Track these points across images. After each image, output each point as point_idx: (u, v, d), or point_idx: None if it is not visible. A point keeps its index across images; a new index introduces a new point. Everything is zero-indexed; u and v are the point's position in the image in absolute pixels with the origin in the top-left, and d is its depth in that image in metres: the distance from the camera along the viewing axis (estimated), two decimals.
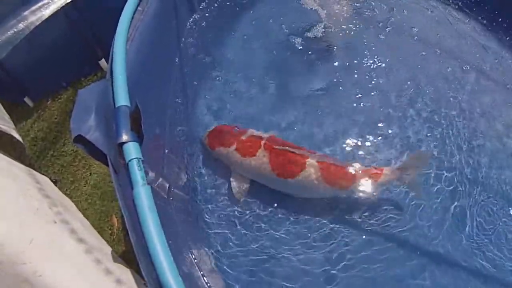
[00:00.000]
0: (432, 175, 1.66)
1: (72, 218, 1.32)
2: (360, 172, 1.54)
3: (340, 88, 1.94)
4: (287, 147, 1.56)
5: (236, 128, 1.69)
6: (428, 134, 1.79)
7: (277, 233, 1.52)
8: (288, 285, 1.42)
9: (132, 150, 1.03)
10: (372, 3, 2.31)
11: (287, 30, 2.16)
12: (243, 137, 1.62)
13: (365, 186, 1.54)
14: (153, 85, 1.60)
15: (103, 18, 1.80)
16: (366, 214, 1.56)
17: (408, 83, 1.96)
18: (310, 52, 2.07)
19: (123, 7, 1.42)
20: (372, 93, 1.91)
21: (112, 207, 2.02)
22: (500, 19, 2.23)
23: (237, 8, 2.29)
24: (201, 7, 2.24)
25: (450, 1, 2.38)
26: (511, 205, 1.62)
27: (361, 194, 1.56)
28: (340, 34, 2.15)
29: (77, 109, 1.12)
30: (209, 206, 1.60)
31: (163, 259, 0.86)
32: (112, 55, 1.24)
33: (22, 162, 1.56)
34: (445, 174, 1.67)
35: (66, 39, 2.29)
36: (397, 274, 1.44)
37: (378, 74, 1.98)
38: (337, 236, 1.51)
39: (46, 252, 1.10)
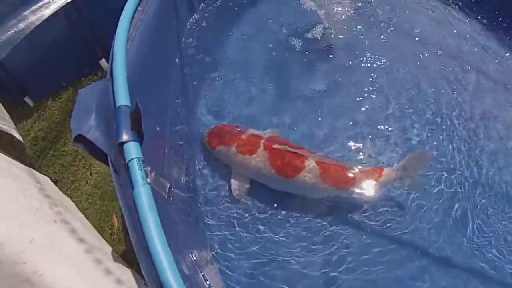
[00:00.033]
0: (434, 177, 1.66)
1: (72, 218, 1.32)
2: (359, 173, 1.54)
3: (340, 88, 1.94)
4: (287, 147, 1.56)
5: (236, 128, 1.69)
6: (429, 135, 1.79)
7: (276, 236, 1.52)
8: None
9: (133, 150, 1.02)
10: (373, 3, 2.31)
11: (287, 30, 2.16)
12: (243, 137, 1.62)
13: (365, 187, 1.54)
14: (153, 85, 1.60)
15: (103, 18, 1.80)
16: (366, 215, 1.56)
17: (409, 83, 1.96)
18: (310, 53, 2.07)
19: (123, 7, 1.42)
20: (373, 94, 1.91)
21: (113, 206, 2.02)
22: (500, 19, 2.23)
23: (237, 8, 2.29)
24: (201, 7, 2.24)
25: (450, 1, 2.38)
26: (511, 206, 1.62)
27: (360, 195, 1.56)
28: (340, 35, 2.16)
29: (77, 108, 1.12)
30: (210, 206, 1.60)
31: (164, 259, 0.86)
32: (112, 54, 1.24)
33: (22, 161, 1.56)
34: (446, 175, 1.67)
35: (66, 39, 2.29)
36: (397, 276, 1.44)
37: (378, 75, 1.98)
38: (337, 238, 1.51)
39: (47, 251, 1.10)
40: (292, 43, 2.10)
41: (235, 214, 1.57)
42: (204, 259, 1.41)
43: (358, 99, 1.89)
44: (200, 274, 1.32)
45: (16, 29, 2.10)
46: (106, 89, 1.17)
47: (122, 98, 1.12)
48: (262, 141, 1.58)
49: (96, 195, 2.07)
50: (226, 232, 1.53)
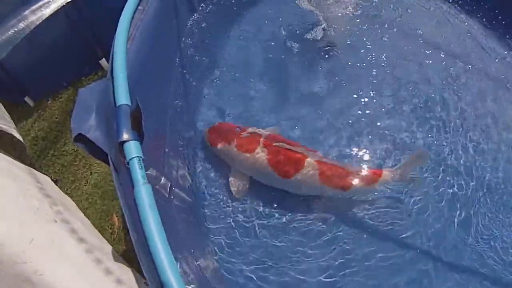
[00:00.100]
0: (435, 179, 1.66)
1: (72, 218, 1.32)
2: (358, 173, 1.54)
3: (340, 88, 1.94)
4: (287, 145, 1.55)
5: (237, 129, 1.69)
6: (430, 135, 1.78)
7: (276, 240, 1.51)
8: None
9: (133, 149, 1.02)
10: (373, 3, 2.31)
11: (287, 31, 2.17)
12: (243, 134, 1.62)
13: (363, 188, 1.54)
14: (154, 84, 1.60)
15: (103, 17, 1.80)
16: (367, 218, 1.56)
17: (409, 83, 1.96)
18: (310, 53, 2.07)
19: (123, 7, 1.42)
20: (373, 94, 1.91)
21: (113, 206, 2.01)
22: (500, 17, 2.23)
23: (236, 8, 2.29)
24: (201, 7, 2.24)
25: (451, 0, 2.37)
26: None
27: (359, 196, 1.56)
28: (340, 35, 2.16)
29: (77, 108, 1.12)
30: (210, 206, 1.60)
31: (164, 258, 0.86)
32: (112, 54, 1.24)
33: (22, 161, 1.55)
34: (447, 177, 1.67)
35: (66, 38, 2.29)
36: (397, 281, 1.43)
37: (379, 74, 1.98)
38: (338, 242, 1.50)
39: (47, 251, 1.10)
40: (292, 43, 2.10)
41: (234, 214, 1.57)
42: (205, 258, 1.40)
43: (358, 99, 1.89)
44: (201, 273, 1.32)
45: (16, 29, 2.10)
46: (107, 89, 1.17)
47: (123, 97, 1.12)
48: (262, 139, 1.58)
49: (96, 195, 2.07)
50: (226, 232, 1.53)
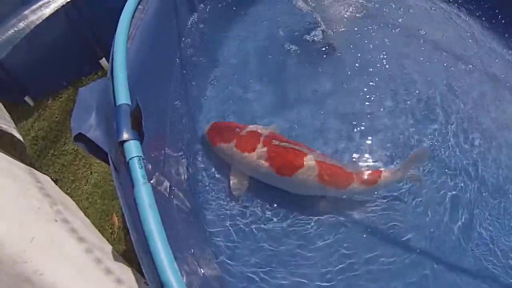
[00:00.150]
0: (436, 180, 1.65)
1: (72, 217, 1.32)
2: (358, 173, 1.53)
3: (341, 88, 1.94)
4: (286, 143, 1.55)
5: (237, 129, 1.68)
6: (431, 136, 1.78)
7: (276, 243, 1.50)
8: None
9: (133, 149, 1.02)
10: (373, 3, 2.31)
11: (287, 31, 2.16)
12: (243, 133, 1.62)
13: (363, 188, 1.53)
14: (154, 84, 1.60)
15: (103, 17, 1.80)
16: (367, 221, 1.55)
17: (410, 83, 1.96)
18: (310, 53, 2.07)
19: (123, 6, 1.42)
20: (373, 94, 1.90)
21: (113, 205, 2.02)
22: (499, 17, 2.23)
23: (236, 9, 2.28)
24: (201, 7, 2.24)
25: (451, 0, 2.37)
26: None
27: (358, 196, 1.56)
28: (340, 35, 2.16)
29: (77, 107, 1.12)
30: (210, 207, 1.60)
31: (164, 258, 0.86)
32: (112, 53, 1.24)
33: (22, 161, 1.55)
34: (448, 179, 1.66)
35: (66, 38, 2.29)
36: (397, 285, 1.43)
37: (379, 74, 1.98)
38: (338, 245, 1.49)
39: (47, 251, 1.10)
40: (292, 43, 2.10)
41: (234, 216, 1.57)
42: (205, 258, 1.40)
43: (358, 99, 1.89)
44: (201, 273, 1.32)
45: (16, 29, 2.10)
46: (107, 88, 1.17)
47: (123, 97, 1.12)
48: (262, 138, 1.58)
49: (96, 194, 2.07)
50: (225, 235, 1.53)
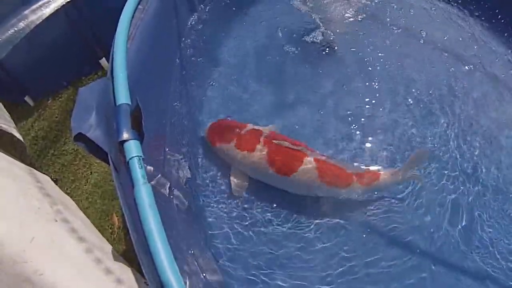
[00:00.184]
0: (439, 183, 1.64)
1: (72, 217, 1.32)
2: (357, 173, 1.53)
3: (340, 88, 1.94)
4: (287, 143, 1.55)
5: (237, 129, 1.68)
6: (431, 137, 1.78)
7: (276, 246, 1.50)
8: None
9: (133, 148, 1.02)
10: (375, 4, 2.30)
11: (287, 31, 2.16)
12: (243, 132, 1.62)
13: (363, 188, 1.53)
14: (154, 84, 1.60)
15: (103, 17, 1.80)
16: (367, 223, 1.54)
17: (410, 84, 1.96)
18: (309, 54, 2.07)
19: (123, 6, 1.42)
20: (374, 94, 1.90)
21: (113, 205, 2.02)
22: (499, 16, 2.22)
23: (237, 9, 2.28)
24: (201, 7, 2.24)
25: (451, 0, 2.37)
26: None
27: (358, 196, 1.55)
28: (339, 36, 2.15)
29: (77, 107, 1.12)
30: (210, 208, 1.59)
31: (164, 258, 0.86)
32: (112, 53, 1.24)
33: (22, 161, 1.55)
34: (449, 182, 1.66)
35: (66, 38, 2.29)
36: (396, 287, 1.42)
37: (379, 75, 1.98)
38: (338, 248, 1.49)
39: (47, 251, 1.10)
40: (292, 44, 2.10)
41: (234, 217, 1.56)
42: (205, 258, 1.40)
43: (358, 99, 1.88)
44: (201, 274, 1.32)
45: (16, 29, 2.10)
46: (107, 88, 1.17)
47: (123, 97, 1.12)
48: (261, 137, 1.58)
49: (96, 194, 2.07)
50: (226, 234, 1.52)
